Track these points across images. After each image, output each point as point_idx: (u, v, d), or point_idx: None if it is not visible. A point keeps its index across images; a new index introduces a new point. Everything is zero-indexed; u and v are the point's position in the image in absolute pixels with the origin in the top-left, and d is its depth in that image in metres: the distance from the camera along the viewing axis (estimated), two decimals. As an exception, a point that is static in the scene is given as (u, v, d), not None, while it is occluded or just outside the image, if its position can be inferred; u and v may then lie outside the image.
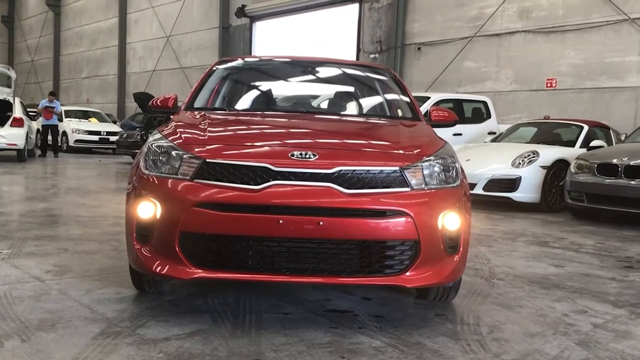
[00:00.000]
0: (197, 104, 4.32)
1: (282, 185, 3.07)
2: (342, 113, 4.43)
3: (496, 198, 9.00)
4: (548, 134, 10.56)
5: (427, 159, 3.31)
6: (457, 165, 3.43)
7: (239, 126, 3.81)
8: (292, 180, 3.08)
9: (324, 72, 5.10)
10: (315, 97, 5.18)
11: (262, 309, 3.49)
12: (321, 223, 3.02)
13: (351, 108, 4.63)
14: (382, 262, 3.15)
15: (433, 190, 3.26)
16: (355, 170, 3.13)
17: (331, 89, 4.93)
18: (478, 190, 8.95)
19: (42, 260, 4.53)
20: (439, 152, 3.42)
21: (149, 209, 3.21)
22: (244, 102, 4.75)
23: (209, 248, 3.13)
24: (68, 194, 9.52)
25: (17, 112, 15.06)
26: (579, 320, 3.59)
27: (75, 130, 20.82)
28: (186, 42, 24.68)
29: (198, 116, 3.87)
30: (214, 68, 4.75)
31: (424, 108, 11.26)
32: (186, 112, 4.12)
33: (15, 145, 14.74)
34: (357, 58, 17.74)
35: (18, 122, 14.82)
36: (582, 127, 10.10)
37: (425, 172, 3.27)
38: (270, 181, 3.07)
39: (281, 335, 3.07)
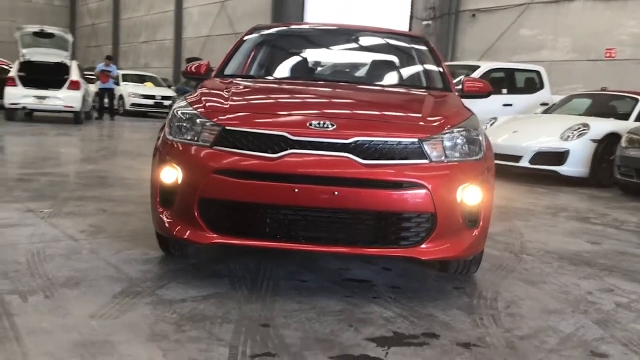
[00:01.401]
0: (228, 72, 4.35)
1: (299, 154, 3.09)
2: (371, 82, 4.38)
3: (543, 172, 8.80)
4: (603, 106, 10.20)
5: (448, 131, 3.26)
6: (480, 138, 3.37)
7: (263, 94, 3.84)
8: (309, 149, 3.09)
9: (358, 40, 5.05)
10: (346, 65, 5.14)
11: (281, 276, 3.55)
12: (336, 193, 3.04)
13: (382, 77, 4.57)
14: (398, 234, 3.15)
15: (453, 163, 3.22)
16: (372, 141, 3.11)
17: (364, 57, 4.89)
18: (524, 163, 8.76)
19: (80, 220, 4.70)
20: (462, 124, 3.37)
21: (171, 174, 3.28)
22: (275, 70, 4.76)
23: (227, 215, 3.19)
24: (119, 157, 9.80)
25: (74, 75, 15.47)
26: (603, 299, 3.52)
27: (132, 95, 21.29)
28: (240, 8, 24.74)
29: (225, 84, 3.90)
30: (248, 36, 4.77)
31: (473, 77, 11.05)
32: (215, 79, 4.16)
33: (72, 107, 15.18)
34: (410, 25, 17.45)
35: (75, 85, 15.25)
36: (637, 100, 9.70)
37: (446, 144, 3.23)
38: (287, 150, 3.09)
39: (295, 302, 3.12)
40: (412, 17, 17.71)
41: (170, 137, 3.37)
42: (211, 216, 3.19)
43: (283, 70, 4.80)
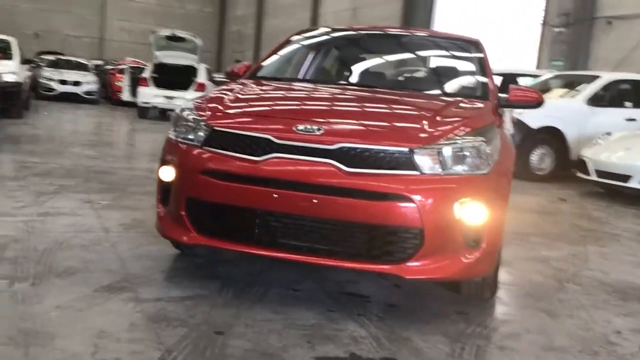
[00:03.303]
0: (262, 73, 4.30)
1: (282, 158, 2.97)
2: (396, 88, 4.08)
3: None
4: None
5: (446, 141, 2.99)
6: (488, 151, 3.05)
7: (269, 96, 3.75)
8: (293, 153, 2.97)
9: (401, 44, 4.80)
10: (380, 70, 4.91)
11: (278, 283, 3.44)
12: (315, 201, 2.89)
13: (412, 82, 4.31)
14: (380, 249, 2.93)
15: (450, 177, 2.95)
16: (357, 148, 2.93)
17: (401, 62, 4.65)
18: (633, 183, 7.93)
19: (127, 214, 4.87)
20: (470, 135, 3.07)
21: (167, 172, 3.30)
22: (308, 73, 4.65)
23: (212, 216, 3.15)
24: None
25: (201, 77, 16.25)
26: (628, 340, 3.07)
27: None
28: (371, 13, 24.73)
29: (243, 85, 3.86)
30: (291, 38, 4.71)
31: (592, 89, 10.20)
32: (240, 80, 4.13)
33: (197, 108, 15.92)
34: (542, 32, 16.53)
35: (200, 87, 15.99)
36: None
37: (444, 155, 2.96)
38: (271, 153, 2.99)
39: (269, 312, 3.01)
40: (544, 23, 16.76)
41: (171, 135, 3.40)
42: (197, 217, 3.16)
43: (315, 73, 4.67)
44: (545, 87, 10.83)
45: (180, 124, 3.36)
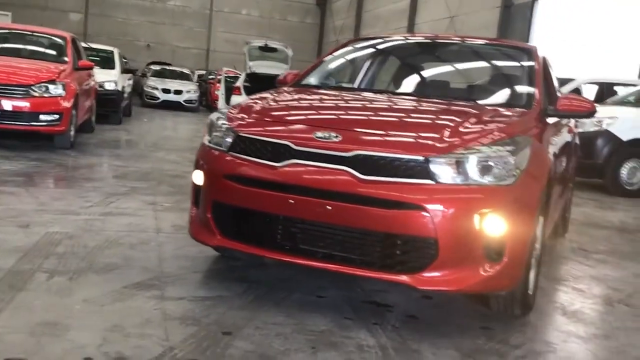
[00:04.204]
0: (307, 81, 4.35)
1: (300, 164, 3.01)
2: (432, 96, 3.94)
3: None
4: None
5: (466, 150, 2.91)
6: (511, 161, 2.94)
7: (299, 104, 3.78)
8: (311, 160, 3.00)
9: (450, 52, 4.70)
10: (425, 79, 4.81)
11: (304, 289, 3.46)
12: (329, 207, 2.90)
13: (451, 91, 4.19)
14: (393, 258, 2.90)
15: (469, 186, 2.87)
16: (373, 155, 2.91)
17: (447, 71, 4.54)
18: None
19: (183, 216, 5.02)
20: (494, 145, 2.98)
21: (199, 176, 3.42)
22: (351, 80, 4.65)
23: (235, 220, 3.23)
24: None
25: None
26: (662, 368, 2.85)
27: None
28: (469, 22, 24.26)
29: (283, 92, 3.93)
30: (342, 47, 4.73)
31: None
32: (284, 88, 4.20)
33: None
34: (646, 39, 15.60)
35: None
36: None
37: (463, 164, 2.88)
38: (290, 160, 3.03)
39: (283, 316, 3.04)
40: (648, 31, 15.81)
41: (205, 140, 3.51)
42: (222, 220, 3.26)
43: (359, 81, 4.66)
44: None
45: (213, 131, 3.47)
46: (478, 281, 2.88)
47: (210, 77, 25.63)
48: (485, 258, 2.88)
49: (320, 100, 3.86)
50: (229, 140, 3.28)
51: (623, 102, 10.23)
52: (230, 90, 17.23)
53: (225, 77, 18.81)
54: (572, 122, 5.24)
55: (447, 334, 3.01)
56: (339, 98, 3.90)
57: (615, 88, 12.54)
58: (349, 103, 3.81)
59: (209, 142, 3.45)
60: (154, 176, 6.95)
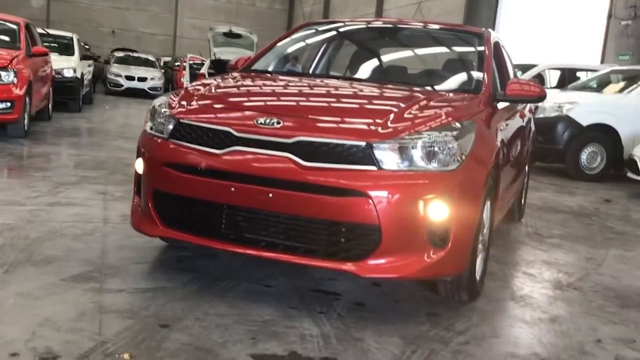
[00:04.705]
0: (257, 66, 4.25)
1: (242, 151, 2.93)
2: (379, 80, 3.88)
3: None
4: None
5: (409, 136, 2.86)
6: (455, 146, 2.89)
7: (244, 90, 3.70)
8: (252, 147, 2.92)
9: (405, 38, 4.64)
10: (377, 63, 4.75)
11: (252, 278, 3.39)
12: (271, 195, 2.83)
13: (400, 76, 4.12)
14: (337, 246, 2.84)
15: (412, 172, 2.82)
16: (315, 141, 2.84)
17: (401, 57, 4.49)
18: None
19: (135, 205, 4.93)
20: (438, 130, 2.93)
21: (140, 164, 3.32)
22: (301, 65, 4.58)
23: (175, 209, 3.14)
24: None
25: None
26: (606, 350, 2.85)
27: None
28: (434, 8, 24.30)
29: (224, 78, 3.83)
30: (297, 31, 4.64)
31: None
32: (231, 73, 4.10)
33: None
34: (607, 25, 15.77)
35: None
36: None
37: (406, 150, 2.83)
38: (232, 147, 2.94)
39: (227, 306, 2.96)
40: (609, 16, 15.98)
41: (146, 128, 3.41)
42: (164, 209, 3.16)
43: (309, 65, 4.60)
44: (603, 82, 10.32)
45: (155, 117, 3.36)
46: (423, 267, 2.84)
47: (176, 63, 25.29)
48: (429, 244, 2.85)
49: (266, 85, 3.77)
50: (170, 127, 3.18)
51: (584, 88, 10.32)
52: (195, 78, 17.01)
53: (191, 63, 18.56)
54: (528, 107, 5.23)
55: (392, 321, 2.97)
56: (287, 83, 3.82)
57: (578, 74, 12.66)
58: (295, 89, 3.73)
59: (151, 129, 3.34)
60: (108, 165, 6.80)
